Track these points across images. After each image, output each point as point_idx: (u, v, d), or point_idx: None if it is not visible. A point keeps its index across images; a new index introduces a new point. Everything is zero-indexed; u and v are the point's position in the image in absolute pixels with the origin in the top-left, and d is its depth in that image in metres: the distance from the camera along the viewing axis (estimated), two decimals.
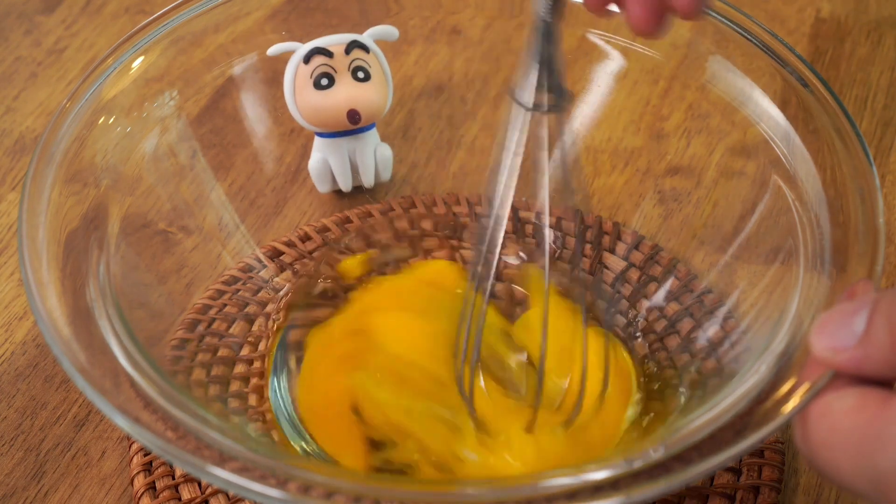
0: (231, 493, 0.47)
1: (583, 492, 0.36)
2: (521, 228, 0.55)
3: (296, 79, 0.54)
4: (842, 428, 0.34)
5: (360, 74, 0.54)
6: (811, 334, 0.36)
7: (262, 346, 0.51)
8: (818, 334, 0.36)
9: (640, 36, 0.40)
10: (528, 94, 0.42)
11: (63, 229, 0.44)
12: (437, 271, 0.54)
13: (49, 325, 0.40)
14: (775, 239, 0.47)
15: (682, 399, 0.47)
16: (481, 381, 0.48)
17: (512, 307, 0.52)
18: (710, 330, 0.49)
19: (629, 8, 0.39)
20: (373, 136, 0.57)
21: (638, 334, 0.51)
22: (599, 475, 0.36)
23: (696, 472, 0.36)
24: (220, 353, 0.50)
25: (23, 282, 0.43)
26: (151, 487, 0.47)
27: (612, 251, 0.54)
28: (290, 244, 0.55)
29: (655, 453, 0.37)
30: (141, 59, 0.50)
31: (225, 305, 0.52)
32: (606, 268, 0.54)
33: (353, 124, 0.54)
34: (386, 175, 0.58)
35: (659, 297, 0.52)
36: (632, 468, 0.36)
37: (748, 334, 0.47)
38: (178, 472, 0.48)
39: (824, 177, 0.45)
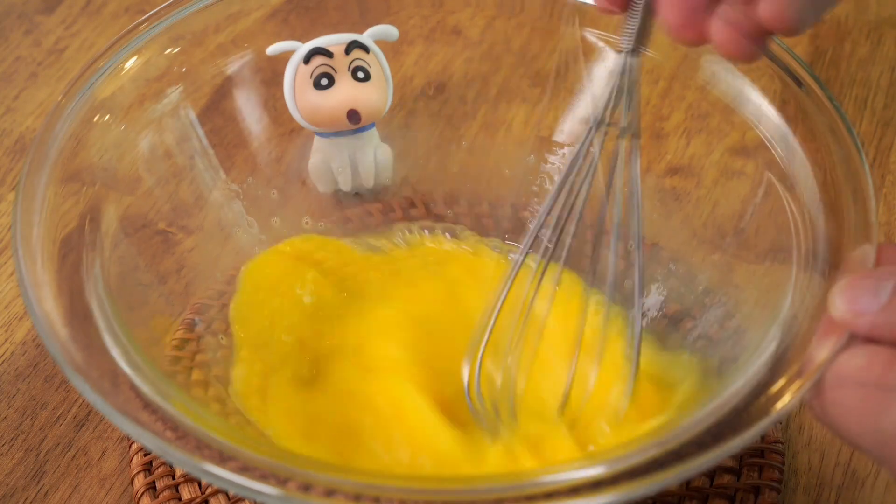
0: (231, 493, 0.47)
1: (583, 488, 0.36)
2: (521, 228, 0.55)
3: (296, 79, 0.54)
4: (850, 385, 0.35)
5: (360, 74, 0.54)
6: (833, 294, 0.36)
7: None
8: (841, 296, 0.36)
9: (683, 43, 0.38)
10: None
11: (60, 229, 0.44)
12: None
13: (46, 326, 0.40)
14: (772, 238, 0.47)
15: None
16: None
17: None
18: (710, 329, 0.49)
19: (662, 9, 0.37)
20: (373, 136, 0.57)
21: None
22: (598, 471, 0.36)
23: (693, 468, 0.36)
24: (219, 354, 0.50)
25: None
26: (151, 487, 0.47)
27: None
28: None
29: (653, 450, 0.37)
30: (141, 58, 0.50)
31: (224, 306, 0.52)
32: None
33: (353, 124, 0.54)
34: (386, 175, 0.58)
35: (659, 296, 0.52)
36: (630, 465, 0.36)
37: (746, 332, 0.47)
38: (178, 472, 0.48)
39: (821, 178, 0.45)
